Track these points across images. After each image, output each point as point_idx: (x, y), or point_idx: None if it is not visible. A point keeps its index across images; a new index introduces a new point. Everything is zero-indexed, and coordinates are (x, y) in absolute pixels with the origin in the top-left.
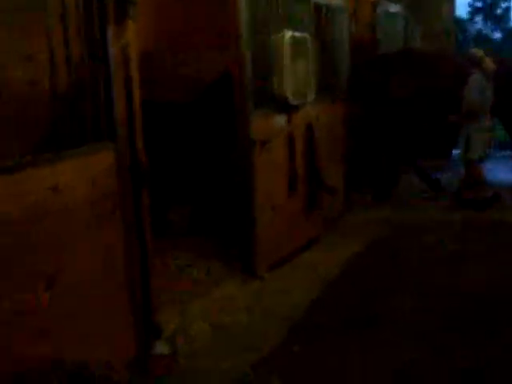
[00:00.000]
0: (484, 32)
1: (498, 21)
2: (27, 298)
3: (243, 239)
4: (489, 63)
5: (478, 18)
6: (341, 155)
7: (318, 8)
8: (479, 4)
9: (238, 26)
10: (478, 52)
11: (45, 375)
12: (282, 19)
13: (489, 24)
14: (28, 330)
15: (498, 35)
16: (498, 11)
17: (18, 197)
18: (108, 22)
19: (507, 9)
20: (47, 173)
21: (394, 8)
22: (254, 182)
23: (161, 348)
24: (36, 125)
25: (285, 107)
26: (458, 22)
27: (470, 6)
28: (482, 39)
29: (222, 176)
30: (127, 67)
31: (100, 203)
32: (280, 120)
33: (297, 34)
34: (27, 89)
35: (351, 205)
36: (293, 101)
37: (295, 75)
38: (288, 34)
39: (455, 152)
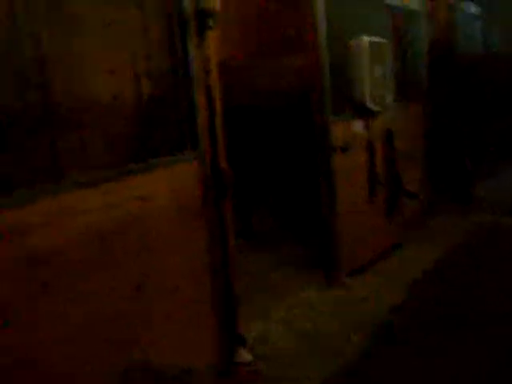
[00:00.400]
0: None
1: None
2: (117, 304)
3: (324, 245)
4: None
5: None
6: (420, 158)
7: (394, 11)
8: None
9: (316, 31)
10: None
11: (134, 376)
12: (359, 23)
13: None
14: (118, 334)
15: None
16: None
17: (107, 207)
18: (189, 34)
19: None
20: (134, 183)
21: (472, 9)
22: (334, 189)
23: (244, 355)
24: (120, 136)
25: (364, 112)
26: None
27: None
28: None
29: (303, 182)
30: (208, 78)
31: (184, 212)
32: (359, 126)
33: (375, 38)
34: (111, 101)
35: (432, 208)
36: (372, 106)
37: (374, 80)
38: (366, 39)
39: None
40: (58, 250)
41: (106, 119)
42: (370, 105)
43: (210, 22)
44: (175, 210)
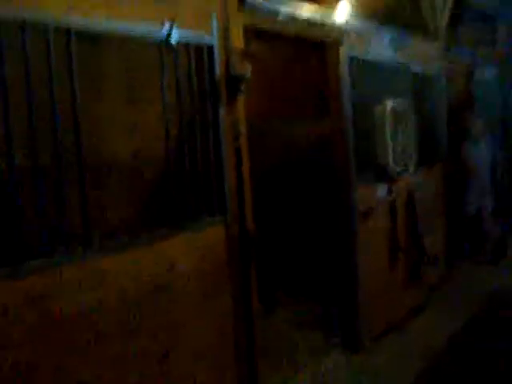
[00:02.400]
0: None
1: None
2: (143, 370)
3: (345, 310)
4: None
5: None
6: (441, 220)
7: (415, 76)
8: None
9: (340, 96)
10: None
11: None
12: (383, 88)
13: None
14: None
15: None
16: None
17: (133, 274)
18: (220, 97)
19: None
20: (163, 248)
21: (489, 72)
22: (356, 253)
23: None
24: (149, 199)
25: (387, 176)
26: None
27: None
28: None
29: (325, 245)
30: (237, 142)
31: (210, 277)
32: (382, 190)
33: (398, 103)
34: (130, 159)
35: (454, 271)
36: (395, 170)
37: (397, 144)
38: (389, 104)
39: None
40: (85, 315)
41: (134, 180)
42: (393, 168)
43: (241, 87)
44: (202, 275)
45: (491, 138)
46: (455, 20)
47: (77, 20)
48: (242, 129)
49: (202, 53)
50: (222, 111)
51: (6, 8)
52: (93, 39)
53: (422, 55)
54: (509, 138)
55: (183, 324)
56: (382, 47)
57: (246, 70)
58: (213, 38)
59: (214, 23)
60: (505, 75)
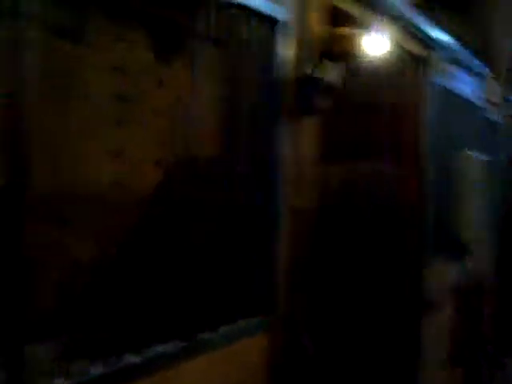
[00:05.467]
0: None
1: None
2: None
3: None
4: None
5: None
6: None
7: (490, 125)
8: None
9: (420, 131)
10: None
11: None
12: (459, 131)
13: None
14: None
15: None
16: None
17: None
18: (281, 114)
19: None
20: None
21: None
22: (420, 352)
23: None
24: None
25: (460, 252)
26: None
27: None
28: None
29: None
30: (297, 196)
31: None
32: (451, 270)
33: (480, 156)
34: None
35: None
36: (473, 245)
37: (477, 211)
38: (475, 155)
39: None
40: None
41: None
42: (472, 243)
43: (322, 103)
44: None
45: None
46: None
47: None
48: (308, 170)
49: (267, 30)
50: (282, 137)
51: None
52: None
53: (490, 98)
54: None
55: None
56: (464, 80)
57: (334, 73)
58: (286, 12)
59: None
60: None
